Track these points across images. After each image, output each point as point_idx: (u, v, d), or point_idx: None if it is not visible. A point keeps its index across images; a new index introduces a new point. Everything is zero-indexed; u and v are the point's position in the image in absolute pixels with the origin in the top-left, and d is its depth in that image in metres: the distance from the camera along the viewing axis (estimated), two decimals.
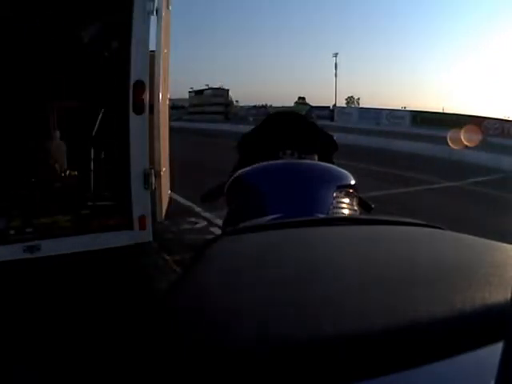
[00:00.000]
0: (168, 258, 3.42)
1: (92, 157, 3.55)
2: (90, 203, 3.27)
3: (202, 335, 0.36)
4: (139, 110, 2.83)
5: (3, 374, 1.82)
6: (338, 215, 0.94)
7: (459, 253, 0.53)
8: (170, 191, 3.95)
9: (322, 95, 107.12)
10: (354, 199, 1.06)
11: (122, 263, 2.99)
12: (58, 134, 3.60)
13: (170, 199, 3.97)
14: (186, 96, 39.57)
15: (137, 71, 2.80)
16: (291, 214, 0.85)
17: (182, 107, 36.52)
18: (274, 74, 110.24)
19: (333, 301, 0.40)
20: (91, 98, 3.45)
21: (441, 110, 28.05)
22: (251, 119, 26.51)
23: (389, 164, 9.87)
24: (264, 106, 34.23)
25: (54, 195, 3.28)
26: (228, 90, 37.89)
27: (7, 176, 3.12)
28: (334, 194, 0.97)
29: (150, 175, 2.90)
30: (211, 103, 35.73)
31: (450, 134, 13.47)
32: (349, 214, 0.97)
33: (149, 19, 2.83)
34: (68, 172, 3.61)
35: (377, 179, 7.18)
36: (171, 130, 4.06)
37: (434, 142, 13.08)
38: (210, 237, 0.69)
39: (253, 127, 1.39)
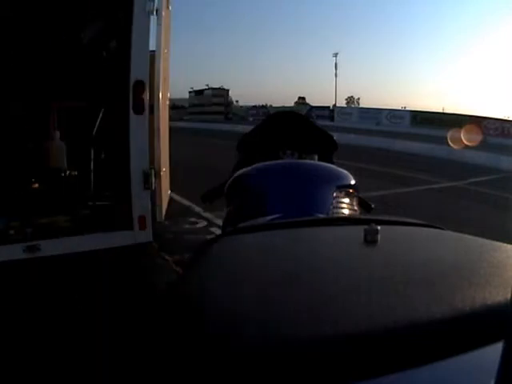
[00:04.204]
0: (168, 258, 3.42)
1: (92, 157, 3.55)
2: (90, 203, 3.27)
3: (202, 335, 0.36)
4: (139, 109, 2.83)
5: (3, 373, 1.82)
6: (337, 215, 0.94)
7: (459, 253, 0.53)
8: (170, 191, 3.95)
9: (322, 95, 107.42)
10: (354, 199, 1.06)
11: (121, 263, 2.99)
12: (58, 134, 3.61)
13: (170, 199, 3.97)
14: (186, 96, 39.54)
15: (137, 71, 2.80)
16: (291, 214, 0.85)
17: (182, 107, 36.46)
18: (273, 73, 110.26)
19: (333, 301, 0.40)
20: (91, 97, 3.46)
21: (441, 110, 28.08)
22: (251, 119, 26.52)
23: (389, 164, 9.87)
24: (264, 106, 34.25)
25: (54, 195, 3.28)
26: (228, 90, 37.91)
27: (7, 176, 3.12)
28: (334, 194, 0.97)
29: (149, 175, 2.90)
30: (211, 103, 35.70)
31: (449, 134, 13.48)
32: (349, 214, 0.97)
33: (149, 19, 2.83)
34: (68, 172, 3.62)
35: (377, 179, 7.17)
36: (171, 130, 4.06)
37: (434, 142, 13.08)
38: (210, 237, 0.69)
39: (252, 127, 1.39)
